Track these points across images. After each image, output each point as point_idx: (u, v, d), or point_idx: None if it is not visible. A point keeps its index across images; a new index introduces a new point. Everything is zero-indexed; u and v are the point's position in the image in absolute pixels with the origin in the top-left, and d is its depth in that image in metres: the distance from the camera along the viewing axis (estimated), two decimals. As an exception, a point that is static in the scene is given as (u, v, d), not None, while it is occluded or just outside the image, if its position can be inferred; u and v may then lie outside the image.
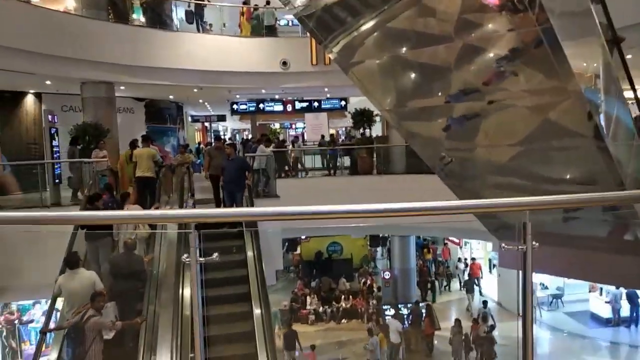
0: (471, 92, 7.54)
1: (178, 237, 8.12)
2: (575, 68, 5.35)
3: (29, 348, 13.49)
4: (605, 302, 16.33)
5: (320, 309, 17.23)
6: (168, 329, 6.60)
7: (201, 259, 2.00)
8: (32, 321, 13.82)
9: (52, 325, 6.45)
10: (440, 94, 7.86)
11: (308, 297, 17.48)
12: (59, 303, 6.36)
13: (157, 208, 8.35)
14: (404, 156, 14.08)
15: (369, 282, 18.60)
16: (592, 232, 9.58)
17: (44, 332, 6.32)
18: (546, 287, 17.84)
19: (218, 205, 9.61)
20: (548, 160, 8.22)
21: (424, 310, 15.55)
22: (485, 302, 14.44)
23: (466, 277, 18.79)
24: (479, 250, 22.15)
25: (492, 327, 13.59)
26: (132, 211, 6.39)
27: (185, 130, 24.56)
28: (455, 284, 19.76)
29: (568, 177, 8.26)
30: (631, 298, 15.72)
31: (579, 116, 6.82)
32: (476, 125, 8.19)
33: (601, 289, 16.35)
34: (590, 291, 16.88)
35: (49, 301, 6.41)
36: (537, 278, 16.98)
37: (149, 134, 14.13)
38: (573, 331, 15.95)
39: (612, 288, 15.61)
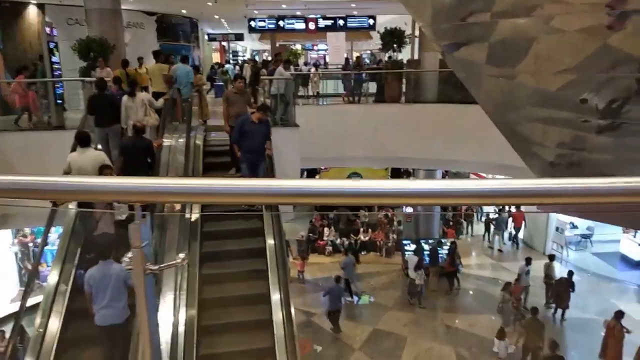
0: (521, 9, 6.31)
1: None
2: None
3: (46, 270, 13.46)
4: (639, 245, 15.54)
5: (338, 241, 16.83)
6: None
7: (150, 266, 1.16)
8: (47, 244, 13.69)
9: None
10: (481, 9, 6.65)
11: (325, 229, 17.04)
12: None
13: (159, 145, 7.53)
14: (437, 83, 12.85)
15: (389, 214, 18.02)
16: (636, 174, 8.60)
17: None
18: (575, 227, 17.04)
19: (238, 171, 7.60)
20: (601, 91, 7.09)
21: (445, 248, 14.98)
22: (528, 259, 13.03)
23: (510, 230, 17.64)
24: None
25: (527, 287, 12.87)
26: (116, 179, 5.79)
27: (201, 49, 23.21)
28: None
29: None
30: (668, 242, 14.88)
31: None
32: (525, 48, 7.04)
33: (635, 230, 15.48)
34: (623, 232, 16.01)
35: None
36: (567, 217, 16.17)
37: (159, 52, 13.06)
38: (601, 273, 15.33)
39: (648, 230, 14.73)
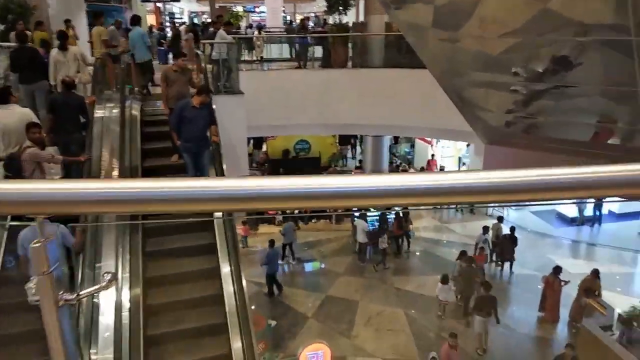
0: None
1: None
2: None
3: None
4: (572, 203, 16.45)
5: (288, 210, 16.66)
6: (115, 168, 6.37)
7: (65, 295, 0.88)
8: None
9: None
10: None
11: (275, 198, 16.80)
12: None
13: (92, 102, 6.99)
14: (383, 47, 12.65)
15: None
16: (573, 136, 8.93)
17: None
18: (515, 187, 17.76)
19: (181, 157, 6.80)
20: (541, 56, 7.19)
21: (392, 214, 15.20)
22: (486, 228, 13.27)
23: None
24: (449, 148, 21.74)
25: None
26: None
27: (133, 10, 21.69)
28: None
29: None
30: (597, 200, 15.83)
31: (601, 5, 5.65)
32: (470, 11, 7.02)
33: (569, 189, 16.33)
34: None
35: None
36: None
37: (89, 13, 12.07)
38: (538, 230, 16.14)
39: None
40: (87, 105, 6.64)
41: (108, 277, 1.07)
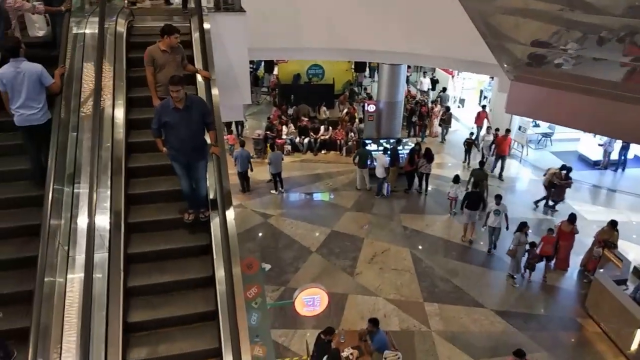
0: None
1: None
2: None
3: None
4: (599, 145, 15.50)
5: (297, 140, 16.05)
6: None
7: None
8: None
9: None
10: None
11: (284, 127, 16.13)
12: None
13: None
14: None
15: (350, 111, 17.13)
16: (604, 75, 7.97)
17: None
18: (537, 125, 16.80)
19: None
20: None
21: (406, 148, 14.47)
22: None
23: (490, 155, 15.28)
24: (470, 80, 20.53)
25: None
26: None
27: None
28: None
29: None
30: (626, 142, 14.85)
31: None
32: None
33: (597, 130, 15.30)
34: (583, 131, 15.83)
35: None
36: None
37: None
38: (558, 172, 15.36)
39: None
40: None
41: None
